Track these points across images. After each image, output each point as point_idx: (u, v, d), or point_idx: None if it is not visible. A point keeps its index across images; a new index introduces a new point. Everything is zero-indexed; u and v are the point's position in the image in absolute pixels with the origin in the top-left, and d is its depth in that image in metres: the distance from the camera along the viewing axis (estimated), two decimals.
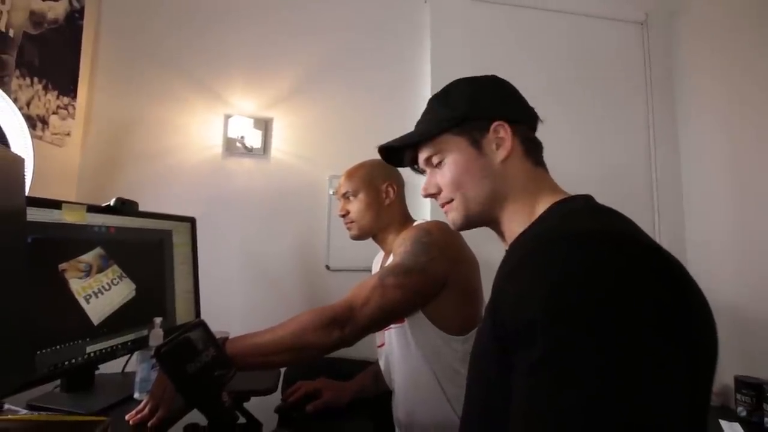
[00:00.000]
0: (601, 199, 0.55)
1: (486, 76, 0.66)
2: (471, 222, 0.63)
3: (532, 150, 0.62)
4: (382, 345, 1.14)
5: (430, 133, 0.64)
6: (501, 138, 0.60)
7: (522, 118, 0.63)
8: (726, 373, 1.48)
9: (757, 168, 1.54)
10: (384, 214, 1.14)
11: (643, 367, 0.34)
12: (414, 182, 1.33)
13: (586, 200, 0.55)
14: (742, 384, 1.39)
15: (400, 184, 1.19)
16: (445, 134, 0.63)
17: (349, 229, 1.18)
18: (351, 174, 1.17)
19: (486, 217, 0.62)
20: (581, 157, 1.82)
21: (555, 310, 0.37)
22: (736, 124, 1.63)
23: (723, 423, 1.34)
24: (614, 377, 0.34)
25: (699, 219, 1.79)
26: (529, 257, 0.44)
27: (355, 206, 1.15)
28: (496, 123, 0.60)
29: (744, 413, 1.37)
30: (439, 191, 0.65)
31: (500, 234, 0.63)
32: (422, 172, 0.70)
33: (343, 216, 1.18)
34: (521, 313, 0.40)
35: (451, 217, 0.64)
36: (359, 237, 1.17)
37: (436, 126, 0.64)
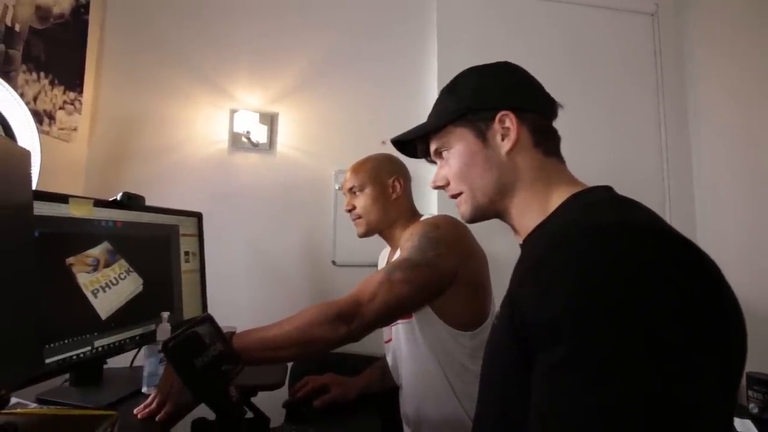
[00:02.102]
0: None
1: (497, 64, 0.65)
2: (480, 214, 0.62)
3: (544, 140, 0.60)
4: (390, 341, 1.13)
5: (437, 125, 0.64)
6: (507, 128, 0.58)
7: (532, 106, 0.61)
8: None
9: None
10: (391, 208, 1.13)
11: (670, 366, 0.33)
12: (421, 176, 1.32)
13: (607, 191, 0.54)
14: (754, 380, 1.36)
15: (406, 179, 1.17)
16: (451, 126, 0.62)
17: (356, 225, 1.16)
18: (357, 168, 1.16)
19: (495, 209, 0.61)
20: (591, 149, 1.79)
21: (577, 309, 0.36)
22: (749, 116, 1.60)
23: (735, 420, 1.32)
24: (640, 378, 0.33)
25: (710, 212, 1.76)
26: (548, 254, 0.42)
27: (362, 201, 1.13)
28: (501, 113, 0.58)
29: (756, 410, 1.35)
30: (447, 183, 0.64)
31: (512, 226, 0.62)
32: (436, 162, 0.70)
33: (350, 211, 1.16)
34: (542, 313, 0.39)
35: (461, 210, 0.64)
36: (367, 234, 1.16)
37: (442, 118, 0.63)
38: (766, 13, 1.53)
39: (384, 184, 1.13)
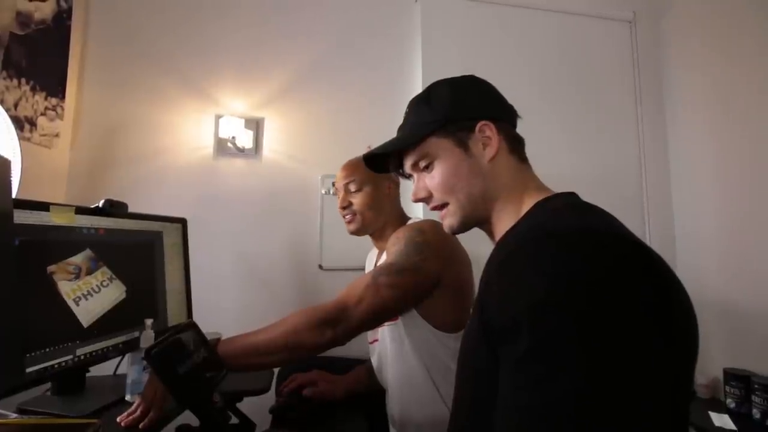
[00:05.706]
0: (591, 197, 0.55)
1: (464, 76, 0.66)
2: (467, 224, 0.63)
3: (516, 146, 0.63)
4: (375, 341, 1.14)
5: (415, 138, 0.63)
6: (487, 137, 0.60)
7: (504, 115, 0.63)
8: (715, 365, 1.50)
9: (744, 164, 1.56)
10: (385, 209, 1.14)
11: (628, 359, 0.35)
12: (406, 181, 1.34)
13: (570, 197, 0.56)
14: (731, 376, 1.41)
15: (397, 183, 1.19)
16: (430, 137, 0.62)
17: (350, 223, 1.15)
18: (356, 165, 1.14)
19: (480, 218, 0.62)
20: (570, 155, 1.83)
21: (540, 306, 0.38)
22: (723, 121, 1.65)
23: (712, 414, 1.36)
24: (599, 371, 0.34)
25: (688, 214, 1.81)
26: (514, 255, 0.44)
27: (360, 199, 1.13)
28: (481, 122, 0.60)
29: (733, 405, 1.39)
30: (430, 195, 0.64)
31: (490, 234, 0.63)
32: (408, 176, 0.70)
33: (345, 208, 1.14)
34: (507, 310, 0.41)
35: (448, 222, 0.63)
36: (359, 231, 1.15)
37: (419, 130, 0.63)
38: (741, 20, 1.59)
39: (380, 185, 1.14)
